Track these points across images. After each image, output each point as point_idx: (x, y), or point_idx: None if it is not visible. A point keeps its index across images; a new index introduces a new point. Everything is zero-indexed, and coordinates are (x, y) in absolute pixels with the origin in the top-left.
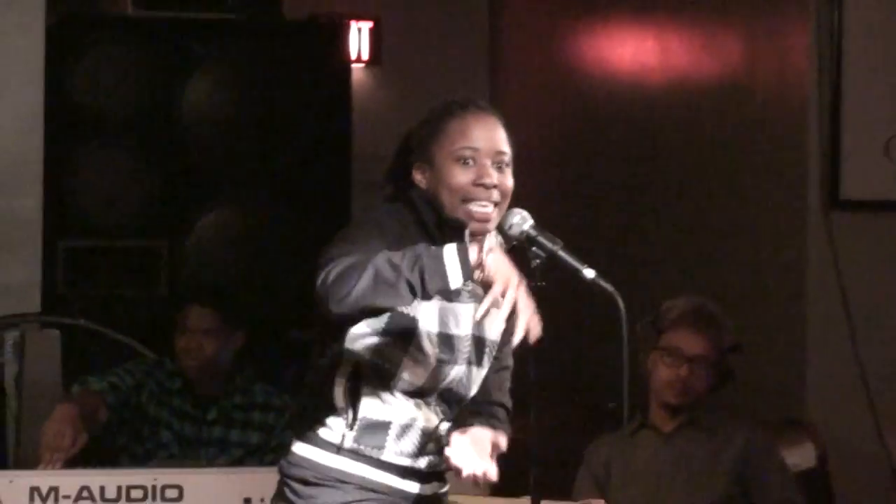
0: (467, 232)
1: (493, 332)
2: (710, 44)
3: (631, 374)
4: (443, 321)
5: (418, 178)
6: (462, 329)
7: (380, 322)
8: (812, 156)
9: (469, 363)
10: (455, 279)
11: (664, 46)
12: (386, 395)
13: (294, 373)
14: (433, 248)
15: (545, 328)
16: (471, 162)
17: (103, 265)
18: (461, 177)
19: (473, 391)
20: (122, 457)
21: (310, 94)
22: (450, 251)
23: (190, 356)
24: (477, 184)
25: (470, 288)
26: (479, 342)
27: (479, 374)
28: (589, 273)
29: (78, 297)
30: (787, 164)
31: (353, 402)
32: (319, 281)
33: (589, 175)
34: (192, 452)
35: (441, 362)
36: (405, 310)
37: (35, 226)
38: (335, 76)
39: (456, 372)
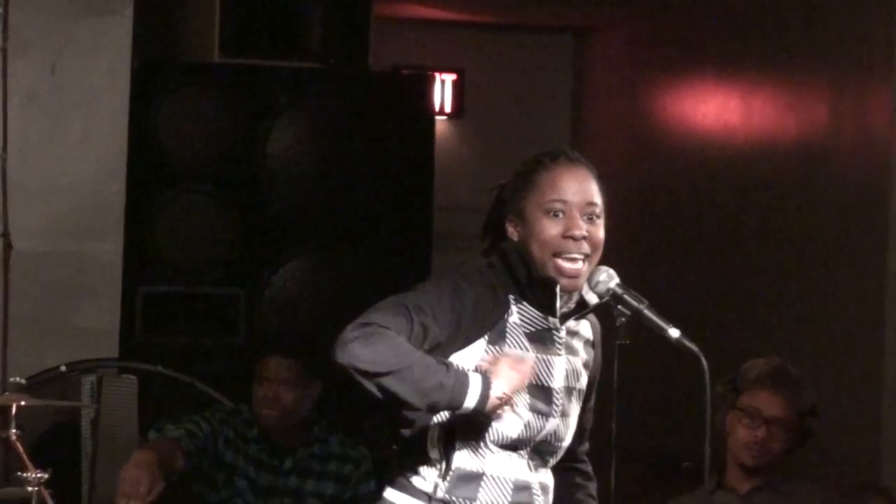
0: (558, 289)
1: (583, 380)
2: (794, 104)
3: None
4: (537, 374)
5: (511, 231)
6: (556, 381)
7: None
8: (893, 217)
9: (563, 415)
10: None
11: (748, 105)
12: (479, 447)
13: (371, 424)
14: (460, 374)
15: (627, 385)
16: (560, 214)
17: (182, 312)
18: (551, 229)
19: (566, 443)
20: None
21: (393, 144)
22: (474, 386)
23: (268, 406)
24: (566, 236)
25: (563, 339)
26: (569, 392)
27: (571, 424)
28: (674, 333)
29: (156, 344)
30: (867, 225)
31: (447, 453)
32: (359, 321)
33: (671, 233)
34: (267, 501)
35: (537, 414)
36: (496, 350)
37: (115, 271)
38: (418, 128)
39: (551, 425)
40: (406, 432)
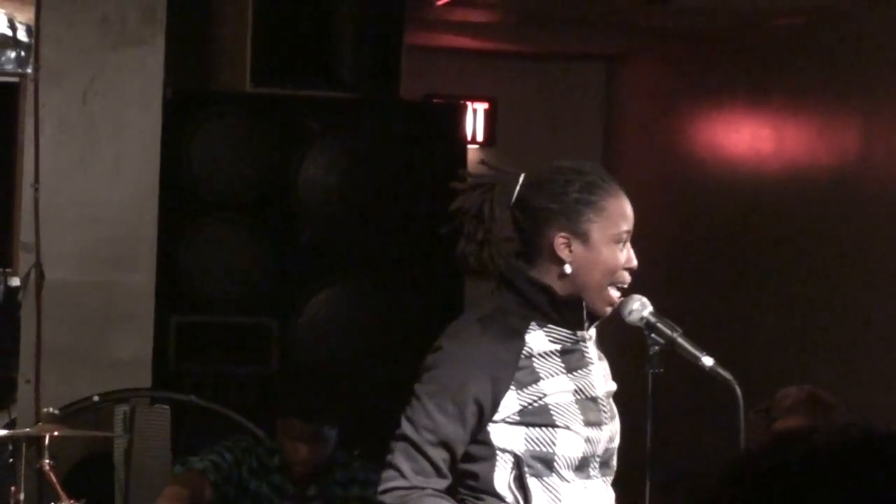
0: (584, 312)
1: (611, 380)
2: (826, 131)
3: None
4: (578, 388)
5: (563, 251)
6: (598, 390)
7: (521, 412)
8: None
9: (612, 418)
10: None
11: (780, 133)
12: (553, 480)
13: None
14: None
15: (662, 414)
16: (622, 244)
17: (214, 341)
18: (619, 259)
19: (617, 443)
20: None
21: (425, 173)
22: None
23: (298, 463)
24: (626, 267)
25: (590, 348)
26: (608, 395)
27: (618, 423)
28: (707, 361)
29: (189, 373)
30: None
31: (523, 493)
32: (390, 483)
33: (703, 261)
34: None
35: (593, 427)
36: (533, 390)
37: (147, 300)
38: (450, 156)
39: (605, 432)
40: (472, 483)
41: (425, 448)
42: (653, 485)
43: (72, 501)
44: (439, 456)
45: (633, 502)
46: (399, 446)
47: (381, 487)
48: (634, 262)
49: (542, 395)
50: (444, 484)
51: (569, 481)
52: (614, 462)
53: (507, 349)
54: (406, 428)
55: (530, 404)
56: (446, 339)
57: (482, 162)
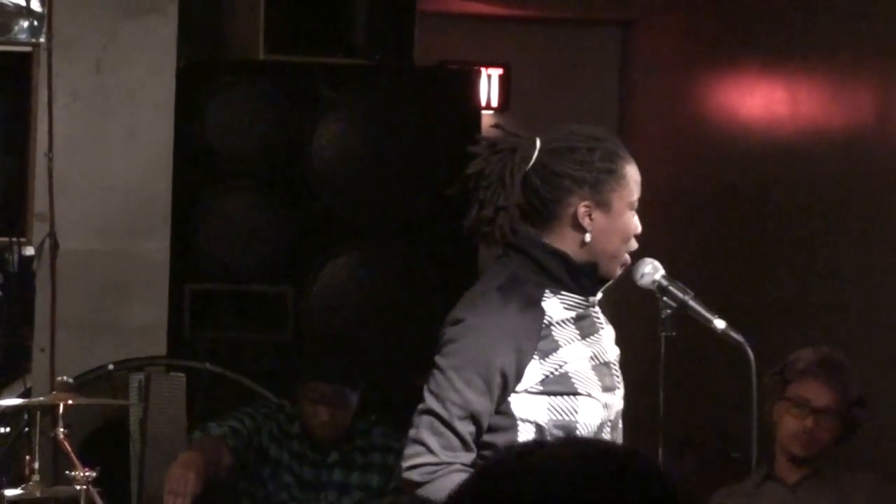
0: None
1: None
2: (841, 94)
3: (758, 425)
4: (594, 354)
5: (585, 219)
6: (610, 354)
7: (543, 382)
8: None
9: (622, 383)
10: None
11: (794, 97)
12: None
13: None
14: None
15: (674, 378)
16: (634, 211)
17: (229, 309)
18: (636, 225)
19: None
20: (243, 499)
21: (439, 139)
22: None
23: (319, 428)
24: (637, 233)
25: (598, 313)
26: (618, 360)
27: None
28: (719, 324)
29: (204, 341)
30: None
31: None
32: (416, 459)
33: (718, 225)
34: (312, 495)
35: (608, 391)
36: (554, 358)
37: (162, 268)
38: (465, 122)
39: (618, 396)
40: (488, 454)
41: (453, 422)
42: (665, 448)
43: (87, 470)
44: (466, 430)
45: None
46: (424, 421)
47: (409, 463)
48: (640, 228)
49: (562, 363)
50: (471, 458)
51: None
52: (621, 425)
53: (530, 318)
54: (432, 402)
55: (552, 373)
56: (467, 311)
57: (497, 126)
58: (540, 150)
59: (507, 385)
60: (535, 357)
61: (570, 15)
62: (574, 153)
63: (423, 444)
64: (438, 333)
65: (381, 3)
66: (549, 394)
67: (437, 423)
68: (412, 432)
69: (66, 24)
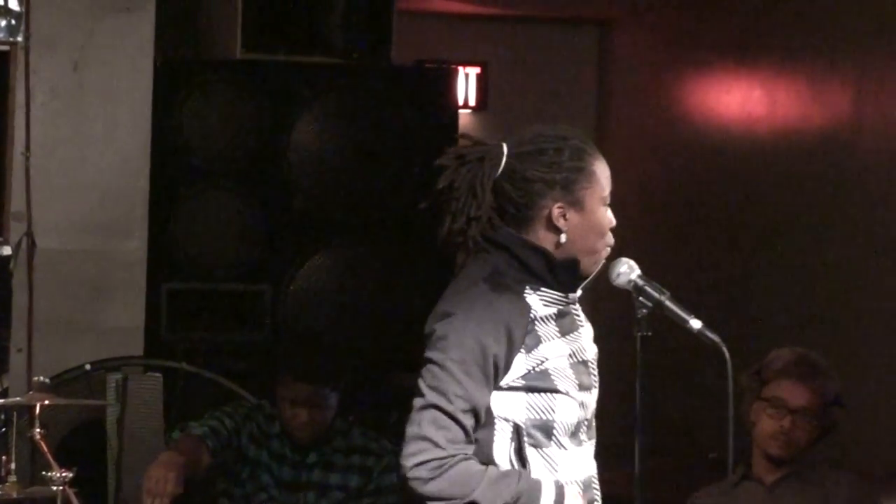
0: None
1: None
2: (817, 94)
3: (735, 425)
4: (572, 352)
5: (560, 220)
6: (589, 353)
7: (525, 377)
8: None
9: (598, 382)
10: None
11: (771, 96)
12: (551, 449)
13: (397, 419)
14: (532, 481)
15: (650, 378)
16: (607, 206)
17: (207, 308)
18: (609, 220)
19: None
20: (221, 500)
21: (416, 138)
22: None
23: (298, 428)
24: (611, 228)
25: (578, 310)
26: (595, 359)
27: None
28: (695, 324)
29: (181, 341)
30: (891, 215)
31: (522, 465)
32: (417, 455)
33: (693, 224)
34: (291, 496)
35: (585, 390)
36: (536, 354)
37: (139, 268)
38: (442, 121)
39: (594, 396)
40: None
41: (457, 415)
42: (642, 449)
43: (63, 470)
44: (469, 422)
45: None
46: (427, 416)
47: (415, 461)
48: (614, 221)
49: (544, 360)
50: (472, 449)
51: (566, 448)
52: (594, 424)
53: (518, 310)
54: (433, 397)
55: (533, 368)
56: (455, 304)
57: (461, 135)
58: (508, 156)
59: (498, 375)
60: (522, 350)
61: (547, 14)
62: (542, 155)
63: (427, 439)
64: (426, 330)
65: (359, 2)
66: (528, 390)
67: (441, 417)
68: (412, 430)
69: (43, 22)
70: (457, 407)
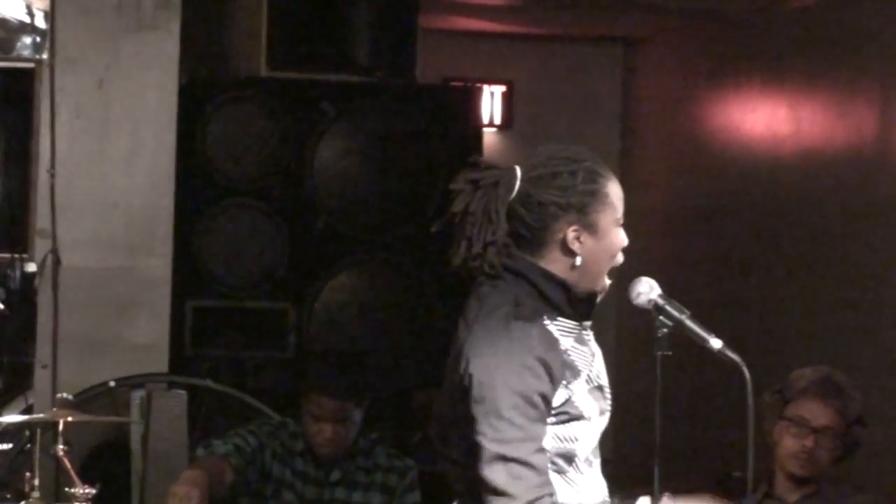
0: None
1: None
2: (843, 113)
3: (757, 444)
4: (589, 378)
5: (574, 243)
6: (604, 378)
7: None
8: None
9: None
10: None
11: (797, 116)
12: (570, 474)
13: (421, 438)
14: None
15: (672, 396)
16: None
17: (231, 326)
18: (622, 241)
19: None
20: None
21: (441, 157)
22: None
23: (324, 444)
24: (623, 247)
25: (591, 336)
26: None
27: None
28: (716, 343)
29: (205, 358)
30: None
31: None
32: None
33: (717, 244)
34: None
35: (604, 414)
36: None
37: (164, 285)
38: (467, 140)
39: (606, 419)
40: None
41: (530, 459)
42: (661, 467)
43: (87, 487)
44: (542, 462)
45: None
46: (498, 469)
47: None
48: (626, 241)
49: (574, 390)
50: (551, 487)
51: (583, 473)
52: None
53: (550, 344)
54: (499, 448)
55: (568, 399)
56: (490, 343)
57: (473, 161)
58: (522, 180)
59: (549, 409)
60: (563, 384)
61: (573, 32)
62: (556, 179)
63: (505, 493)
64: (461, 370)
65: (384, 20)
66: (559, 420)
67: (513, 467)
68: (490, 486)
69: (69, 40)
70: (524, 451)
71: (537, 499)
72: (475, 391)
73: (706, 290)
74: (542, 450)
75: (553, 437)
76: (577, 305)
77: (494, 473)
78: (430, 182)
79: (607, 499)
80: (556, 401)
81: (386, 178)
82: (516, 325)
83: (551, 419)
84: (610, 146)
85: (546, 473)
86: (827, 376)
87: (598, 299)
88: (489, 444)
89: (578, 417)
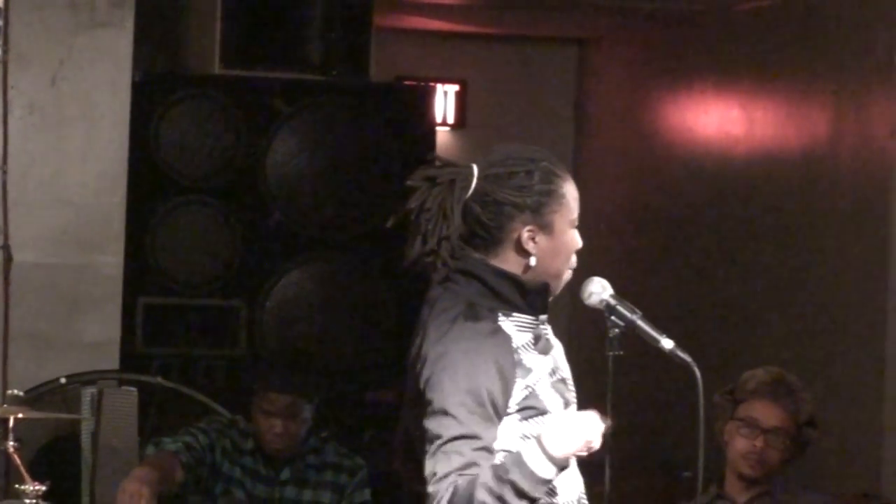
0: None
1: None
2: (795, 114)
3: (707, 445)
4: (552, 371)
5: (529, 243)
6: (566, 371)
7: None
8: (894, 228)
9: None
10: (547, 473)
11: (749, 116)
12: None
13: (372, 436)
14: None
15: (622, 397)
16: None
17: (182, 323)
18: (577, 242)
19: None
20: None
21: (394, 156)
22: (530, 455)
23: (274, 440)
24: (578, 249)
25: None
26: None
27: None
28: (667, 343)
29: (156, 355)
30: (868, 236)
31: None
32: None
33: (669, 243)
34: None
35: (569, 406)
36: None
37: (116, 282)
38: (420, 139)
39: (573, 410)
40: None
41: (463, 451)
42: (613, 468)
43: (36, 484)
44: (479, 457)
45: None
46: (434, 458)
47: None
48: (580, 244)
49: (533, 385)
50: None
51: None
52: None
53: (503, 343)
54: (439, 442)
55: (526, 396)
56: (443, 345)
57: (430, 158)
58: (478, 179)
59: (499, 412)
60: (516, 382)
61: (526, 32)
62: (512, 178)
63: (434, 474)
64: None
65: (337, 18)
66: (522, 417)
67: (448, 454)
68: (431, 475)
69: (22, 37)
70: (463, 447)
71: (459, 469)
72: (427, 393)
73: (659, 291)
74: (485, 448)
75: (521, 436)
76: (532, 299)
77: (430, 462)
78: (383, 180)
79: (583, 493)
80: (517, 397)
81: (339, 176)
82: (467, 325)
83: (516, 416)
84: (563, 146)
85: (479, 466)
86: (778, 377)
87: (550, 298)
88: (433, 439)
89: (542, 411)
